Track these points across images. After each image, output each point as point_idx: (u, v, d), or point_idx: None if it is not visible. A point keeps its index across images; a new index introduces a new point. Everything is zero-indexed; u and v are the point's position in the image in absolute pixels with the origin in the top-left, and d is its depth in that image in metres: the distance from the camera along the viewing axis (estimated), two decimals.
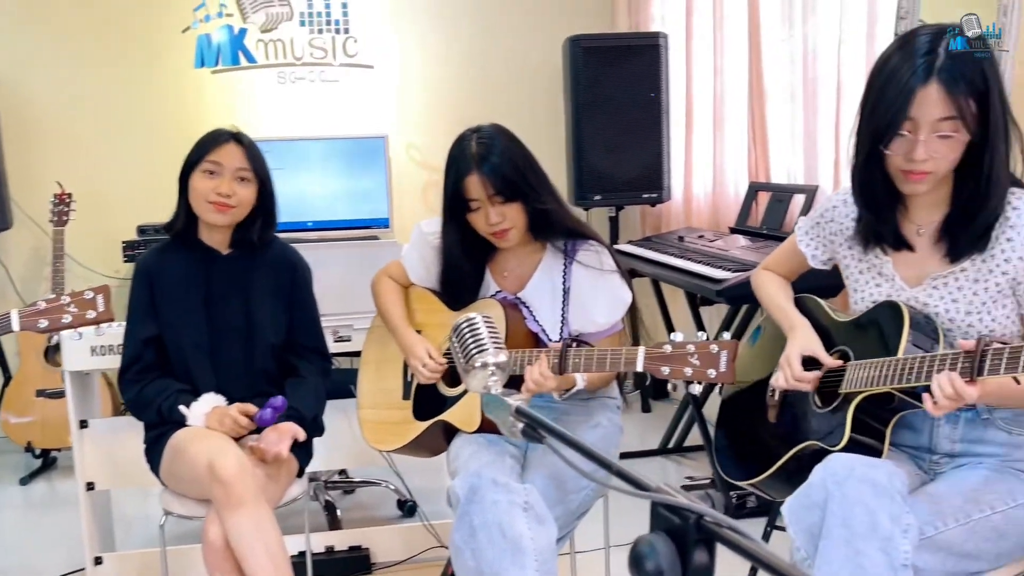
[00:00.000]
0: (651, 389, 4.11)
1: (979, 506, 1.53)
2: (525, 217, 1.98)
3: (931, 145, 1.51)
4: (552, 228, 2.01)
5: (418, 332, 2.16)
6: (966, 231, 1.58)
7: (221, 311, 2.16)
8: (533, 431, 1.11)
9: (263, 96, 4.31)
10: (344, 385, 2.51)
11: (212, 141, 2.13)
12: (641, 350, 1.67)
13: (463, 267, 2.07)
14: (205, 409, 2.08)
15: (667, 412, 3.95)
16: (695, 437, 3.44)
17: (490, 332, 1.30)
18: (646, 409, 4.10)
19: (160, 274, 2.16)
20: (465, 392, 2.02)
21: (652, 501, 0.85)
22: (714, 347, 1.59)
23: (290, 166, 3.81)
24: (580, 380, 1.90)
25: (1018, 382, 1.45)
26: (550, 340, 2.00)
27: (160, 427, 2.13)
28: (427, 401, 2.11)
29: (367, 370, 2.30)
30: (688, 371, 1.60)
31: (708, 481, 3.15)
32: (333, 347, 2.62)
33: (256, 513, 1.92)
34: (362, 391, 2.28)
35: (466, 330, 1.31)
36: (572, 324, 2.00)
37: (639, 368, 1.67)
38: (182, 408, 2.08)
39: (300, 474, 2.23)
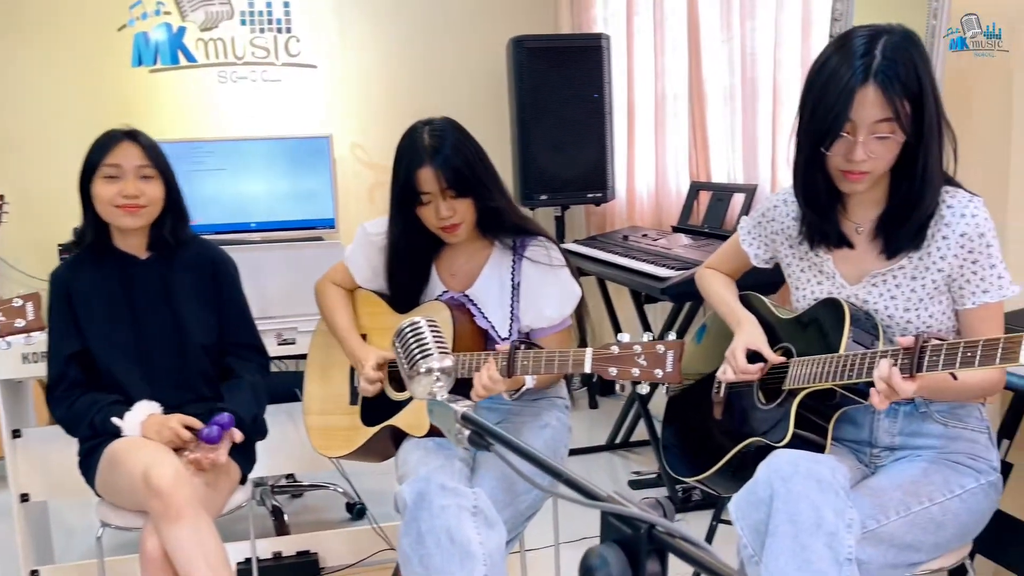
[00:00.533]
0: (598, 386, 4.11)
1: (918, 498, 1.54)
2: (475, 213, 1.94)
3: (869, 146, 1.51)
4: (501, 225, 1.98)
5: (364, 337, 2.11)
6: (902, 228, 1.59)
7: (147, 317, 2.07)
8: (480, 438, 1.07)
9: (204, 96, 4.20)
10: (289, 388, 2.44)
11: (106, 144, 2.02)
12: (589, 351, 1.64)
13: (410, 264, 2.03)
14: (140, 417, 1.99)
15: (614, 408, 3.95)
16: (641, 432, 3.45)
17: (435, 336, 1.26)
18: (593, 406, 4.10)
19: (77, 287, 2.06)
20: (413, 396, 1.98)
21: (602, 511, 0.82)
22: (660, 347, 1.57)
23: (233, 167, 3.71)
24: (529, 379, 1.86)
25: (955, 377, 1.46)
26: (499, 337, 1.97)
27: (95, 438, 2.04)
28: (375, 406, 2.06)
29: (313, 375, 2.24)
30: (635, 371, 1.58)
31: (655, 476, 3.16)
32: (278, 350, 2.54)
33: (195, 524, 1.84)
34: (308, 397, 2.22)
35: (410, 334, 1.26)
36: (522, 320, 1.97)
37: (587, 369, 1.64)
38: (115, 420, 1.99)
39: (243, 480, 2.16)
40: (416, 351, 1.24)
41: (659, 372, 1.57)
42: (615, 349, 1.61)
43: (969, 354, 1.32)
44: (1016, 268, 1.65)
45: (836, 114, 1.49)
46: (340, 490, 3.07)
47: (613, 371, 1.61)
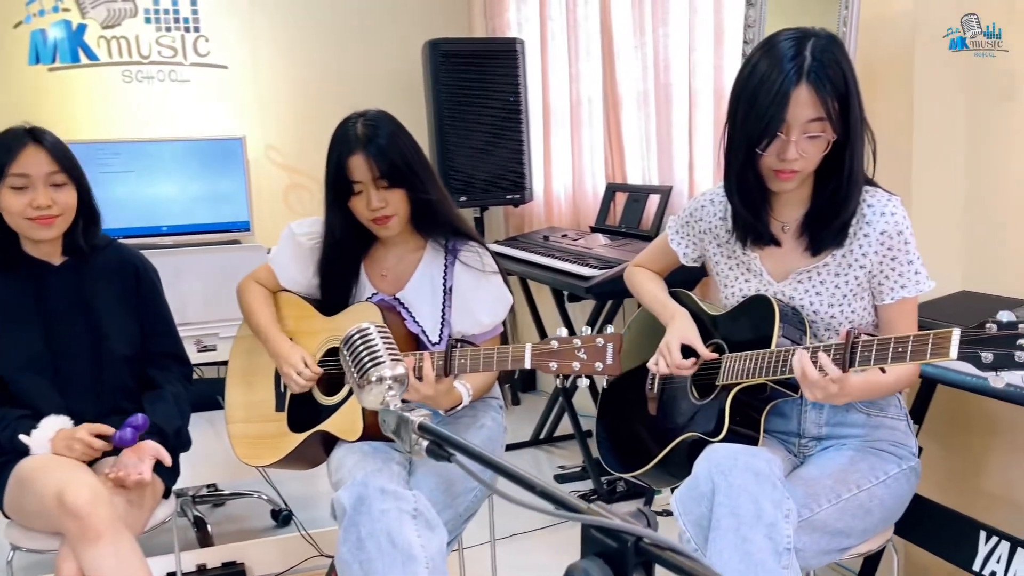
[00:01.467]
0: (519, 383, 4.07)
1: (847, 485, 1.57)
2: (408, 205, 1.88)
3: (801, 145, 1.52)
4: (435, 222, 1.92)
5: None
6: (827, 227, 1.61)
7: (61, 326, 1.91)
8: (439, 448, 1.00)
9: (108, 96, 3.97)
10: (211, 396, 2.31)
11: (10, 147, 1.84)
12: (528, 347, 1.61)
13: (341, 262, 1.95)
14: (48, 434, 1.83)
15: (536, 404, 3.93)
16: (565, 427, 3.43)
17: (385, 343, 1.19)
18: (516, 402, 4.08)
19: None
20: (344, 400, 1.90)
21: (583, 524, 0.77)
22: (600, 340, 1.55)
23: (141, 169, 3.51)
24: (466, 396, 1.83)
25: (883, 371, 1.48)
26: (430, 342, 1.91)
27: (1, 457, 1.86)
28: (303, 411, 1.96)
29: (235, 382, 2.12)
30: (576, 365, 1.56)
31: (580, 469, 3.14)
32: (198, 357, 2.41)
33: (116, 545, 1.69)
34: (231, 405, 2.10)
35: (358, 341, 1.18)
36: (454, 325, 1.92)
37: (527, 365, 1.61)
38: (23, 437, 1.82)
39: (167, 494, 2.02)
40: (366, 359, 1.16)
41: (599, 365, 1.55)
42: (554, 344, 1.58)
43: (900, 349, 1.34)
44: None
45: (772, 116, 1.50)
46: (265, 497, 2.94)
47: (553, 365, 1.58)
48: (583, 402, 3.35)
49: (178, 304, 2.09)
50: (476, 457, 0.96)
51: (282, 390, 2.02)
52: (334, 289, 1.98)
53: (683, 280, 2.05)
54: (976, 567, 1.79)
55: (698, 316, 1.80)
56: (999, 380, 1.24)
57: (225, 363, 2.18)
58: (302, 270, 2.01)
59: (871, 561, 2.05)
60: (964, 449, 2.19)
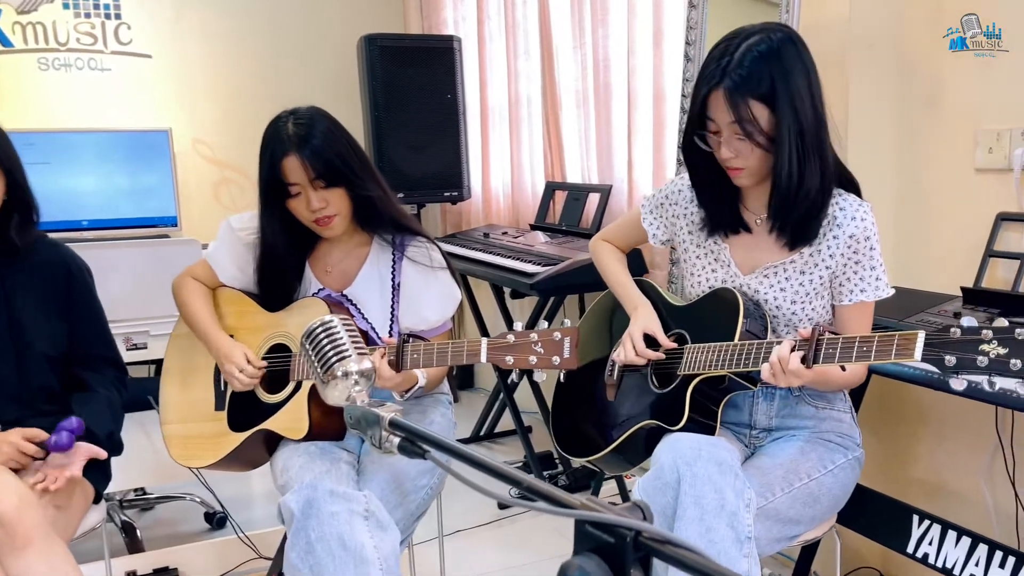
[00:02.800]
0: (458, 379, 4.03)
1: (798, 475, 1.59)
2: (350, 203, 1.82)
3: (733, 145, 1.53)
4: (379, 218, 1.87)
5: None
6: (788, 226, 1.61)
7: None
8: (412, 445, 0.96)
9: (23, 83, 3.76)
10: (141, 396, 2.20)
11: None
12: (484, 341, 1.58)
13: (283, 261, 1.87)
14: None
15: (475, 401, 3.90)
16: (506, 423, 3.41)
17: (350, 336, 1.13)
18: (455, 399, 4.01)
19: None
20: (289, 398, 1.82)
21: (577, 520, 0.74)
22: (557, 334, 1.53)
23: (59, 160, 3.34)
24: (421, 377, 1.78)
25: (844, 369, 1.50)
26: (379, 338, 1.85)
27: None
28: (245, 410, 1.89)
29: (171, 381, 2.02)
30: (532, 359, 1.54)
31: (522, 463, 3.12)
32: (128, 356, 2.29)
33: (47, 551, 1.59)
34: (166, 404, 2.00)
35: (322, 335, 1.12)
36: (403, 321, 1.87)
37: (483, 359, 1.58)
38: None
39: (98, 499, 1.90)
40: (331, 353, 1.10)
41: (556, 359, 1.53)
42: (511, 338, 1.55)
43: (865, 348, 1.36)
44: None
45: (696, 114, 1.53)
46: (198, 500, 2.83)
47: (510, 359, 1.55)
48: (524, 398, 3.33)
49: (105, 301, 1.98)
50: (453, 452, 0.92)
51: (222, 388, 1.93)
52: (276, 287, 1.90)
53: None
54: (910, 550, 1.86)
55: (660, 306, 1.80)
56: (960, 382, 1.27)
57: (157, 362, 2.08)
58: (242, 266, 1.93)
59: (808, 549, 2.09)
60: (894, 438, 2.26)
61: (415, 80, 3.72)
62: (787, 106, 1.49)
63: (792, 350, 1.44)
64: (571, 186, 3.28)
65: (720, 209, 1.68)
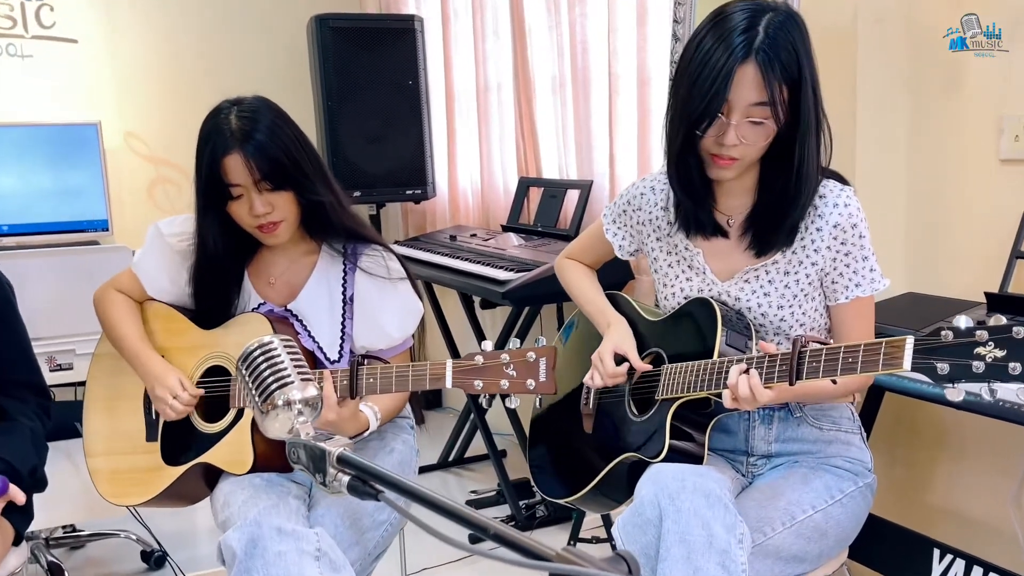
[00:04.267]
0: (423, 399, 4.00)
1: (801, 507, 1.57)
2: (297, 209, 1.79)
3: (742, 130, 1.50)
4: (329, 225, 1.84)
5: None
6: (774, 227, 1.60)
7: None
8: (363, 484, 0.93)
9: None
10: (67, 422, 2.16)
11: None
12: (449, 364, 1.55)
13: (219, 271, 1.84)
14: None
15: (443, 422, 3.88)
16: (476, 446, 3.38)
17: (293, 359, 1.10)
18: (420, 421, 3.97)
19: None
20: (230, 427, 1.79)
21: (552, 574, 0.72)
22: (531, 355, 1.51)
23: None
24: (373, 420, 1.76)
25: (835, 383, 1.48)
26: (328, 360, 1.82)
27: None
28: (180, 441, 1.85)
29: (95, 408, 1.98)
30: (504, 384, 1.51)
31: (495, 492, 3.09)
32: (51, 377, 2.24)
33: None
34: (91, 435, 1.97)
35: (260, 358, 1.09)
36: (358, 340, 1.84)
37: (448, 384, 1.55)
38: None
39: (18, 541, 1.85)
40: (270, 379, 1.07)
41: (531, 383, 1.50)
42: (479, 360, 1.53)
43: (850, 360, 1.34)
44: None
45: (714, 93, 1.47)
46: (134, 537, 2.80)
47: (479, 384, 1.53)
48: (497, 420, 3.31)
49: (25, 316, 1.94)
50: (411, 494, 0.89)
51: (154, 417, 1.89)
52: (212, 301, 1.87)
53: (612, 283, 2.03)
54: None
55: (635, 322, 1.79)
56: (956, 392, 1.24)
57: (84, 384, 2.03)
58: (173, 278, 1.89)
59: None
60: (911, 462, 2.25)
61: (372, 65, 3.69)
62: (809, 88, 1.50)
63: (746, 370, 1.44)
64: (547, 182, 3.27)
65: (700, 207, 1.65)
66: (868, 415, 2.06)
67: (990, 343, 1.19)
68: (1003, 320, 1.19)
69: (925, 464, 2.22)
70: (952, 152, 2.14)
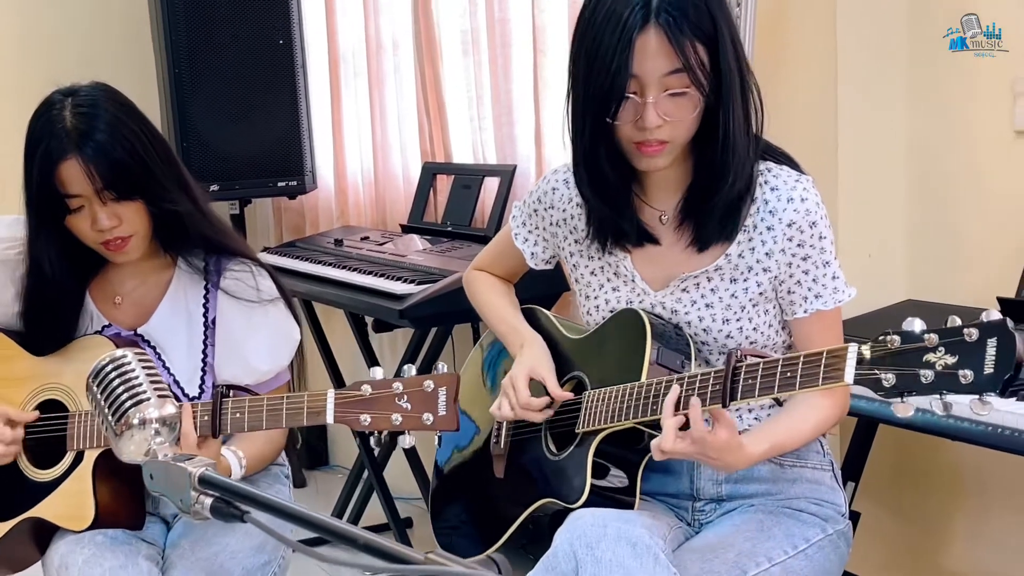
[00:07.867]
0: (304, 456, 4.10)
1: (755, 559, 1.70)
2: (149, 220, 1.94)
3: (662, 106, 1.63)
4: (186, 237, 1.99)
5: None
6: (708, 212, 1.74)
7: None
8: (228, 506, 1.14)
9: None
10: None
11: None
12: (330, 395, 1.69)
13: (60, 291, 1.98)
14: None
15: (329, 483, 3.96)
16: (374, 513, 3.47)
17: (149, 375, 1.29)
18: (299, 484, 4.06)
19: None
20: (66, 474, 1.93)
21: None
22: (429, 384, 1.65)
23: None
24: (236, 467, 1.90)
25: (779, 402, 1.66)
26: (185, 395, 1.98)
27: None
28: (4, 491, 1.99)
29: None
30: (396, 418, 1.65)
31: None
32: None
33: None
34: None
35: (112, 374, 1.28)
36: (221, 372, 2.00)
37: (329, 420, 1.69)
38: None
39: None
40: (124, 396, 1.25)
41: (429, 417, 1.65)
42: (367, 389, 1.66)
43: (788, 374, 1.47)
44: (850, 259, 1.87)
45: (616, 69, 1.60)
46: None
47: (366, 419, 1.66)
48: (399, 477, 3.40)
49: None
50: (278, 511, 1.10)
51: None
52: (46, 323, 2.00)
53: (540, 296, 2.20)
54: None
55: (555, 341, 1.93)
56: (905, 408, 1.36)
57: None
58: None
59: None
60: (920, 513, 2.37)
61: (231, 19, 3.75)
62: (729, 43, 1.65)
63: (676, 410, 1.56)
64: (458, 168, 3.37)
65: (619, 214, 1.78)
66: (857, 453, 2.20)
67: (940, 348, 1.29)
68: (958, 321, 1.31)
69: (939, 515, 2.33)
70: (958, 123, 2.28)
